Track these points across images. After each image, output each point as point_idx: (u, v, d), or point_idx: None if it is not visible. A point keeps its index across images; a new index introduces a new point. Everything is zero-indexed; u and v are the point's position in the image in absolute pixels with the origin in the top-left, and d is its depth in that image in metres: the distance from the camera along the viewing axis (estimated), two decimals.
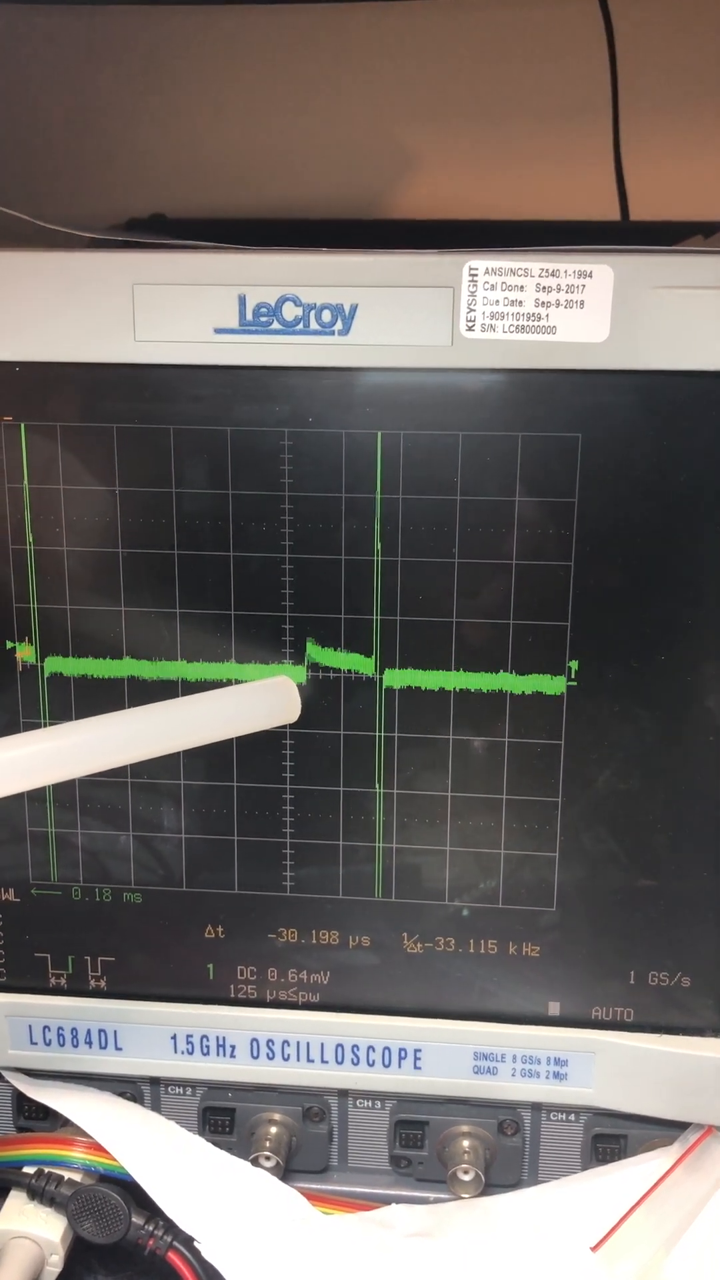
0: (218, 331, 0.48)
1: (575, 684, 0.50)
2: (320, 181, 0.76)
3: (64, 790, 0.53)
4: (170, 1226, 0.51)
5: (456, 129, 0.75)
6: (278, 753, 0.52)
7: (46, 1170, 0.52)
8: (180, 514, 0.50)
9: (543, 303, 0.46)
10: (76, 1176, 0.53)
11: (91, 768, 0.45)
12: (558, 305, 0.46)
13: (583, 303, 0.46)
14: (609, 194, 0.73)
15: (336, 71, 0.74)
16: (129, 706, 0.52)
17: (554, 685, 0.50)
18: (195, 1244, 0.50)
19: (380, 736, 0.52)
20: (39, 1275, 0.51)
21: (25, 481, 0.51)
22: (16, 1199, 0.52)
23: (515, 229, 0.65)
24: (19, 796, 0.53)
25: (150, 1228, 0.51)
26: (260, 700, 0.50)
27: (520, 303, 0.46)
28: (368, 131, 0.75)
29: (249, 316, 0.47)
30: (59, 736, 0.45)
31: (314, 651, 0.51)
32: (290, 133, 0.75)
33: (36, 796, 0.54)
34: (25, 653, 0.52)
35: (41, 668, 0.52)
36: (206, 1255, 0.49)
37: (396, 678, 0.51)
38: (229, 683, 0.52)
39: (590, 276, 0.46)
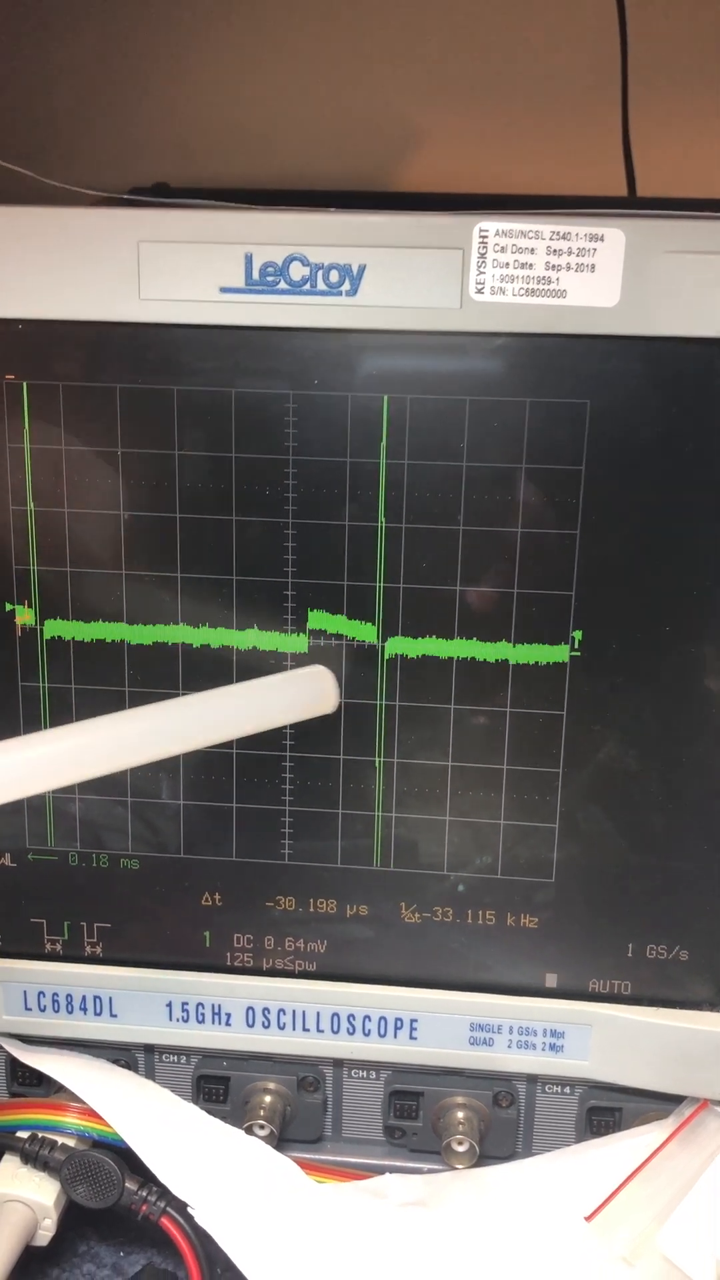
0: (223, 291, 0.47)
1: (579, 654, 0.50)
2: (324, 156, 0.75)
3: None
4: (164, 1192, 0.50)
5: (462, 104, 0.74)
6: None
7: (40, 1135, 0.52)
8: (182, 477, 0.50)
9: (553, 266, 0.46)
10: (70, 1142, 0.52)
11: (121, 764, 0.44)
12: (568, 269, 0.46)
13: (594, 266, 0.45)
14: (616, 171, 0.73)
15: (341, 45, 0.73)
16: (128, 672, 0.52)
17: (557, 655, 0.50)
18: (189, 1210, 0.49)
19: (381, 705, 0.52)
20: (32, 1239, 0.51)
21: (26, 441, 0.50)
22: (10, 1163, 0.52)
23: (520, 204, 0.64)
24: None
25: (144, 1193, 0.51)
26: (298, 690, 0.49)
27: (530, 266, 0.46)
28: (372, 106, 0.74)
29: (255, 276, 0.47)
30: (87, 732, 0.44)
31: (315, 618, 0.51)
32: (294, 107, 0.74)
33: None
34: (25, 616, 0.52)
35: (41, 631, 0.52)
36: (200, 1221, 0.49)
37: (399, 646, 0.51)
38: (233, 650, 0.51)
39: (602, 240, 0.45)
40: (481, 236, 0.46)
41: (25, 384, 0.49)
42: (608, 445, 0.47)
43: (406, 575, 0.50)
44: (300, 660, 0.51)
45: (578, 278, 0.46)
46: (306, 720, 0.51)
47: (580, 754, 0.51)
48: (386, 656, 0.51)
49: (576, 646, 0.50)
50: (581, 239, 0.45)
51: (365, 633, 0.51)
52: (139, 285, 0.47)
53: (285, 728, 0.52)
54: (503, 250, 0.46)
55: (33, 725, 0.53)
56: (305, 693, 0.49)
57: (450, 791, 0.52)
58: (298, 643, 0.51)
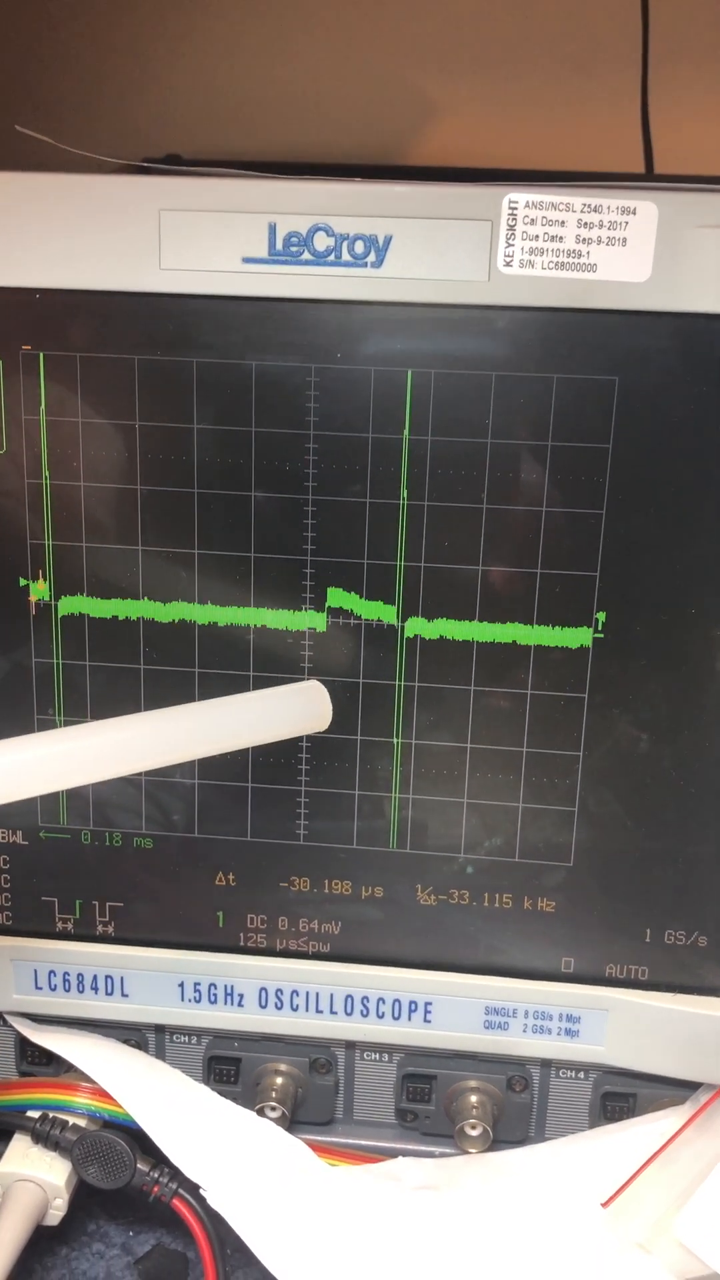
0: (246, 261, 0.46)
1: (602, 636, 0.49)
2: (337, 128, 0.74)
3: None
4: (175, 1174, 0.50)
5: (476, 77, 0.73)
6: None
7: (51, 1115, 0.52)
8: (200, 451, 0.49)
9: (584, 239, 0.45)
10: (81, 1122, 0.52)
11: (102, 775, 0.43)
12: (599, 242, 0.45)
13: (625, 240, 0.45)
14: (633, 146, 0.72)
15: (353, 16, 0.72)
16: (144, 650, 0.51)
17: (580, 637, 0.49)
18: (201, 1191, 0.49)
19: (400, 686, 0.51)
20: (42, 1218, 0.51)
21: (42, 413, 0.49)
22: (20, 1142, 0.52)
23: (536, 178, 0.63)
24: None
25: (155, 1174, 0.50)
26: (289, 706, 0.48)
27: (560, 239, 0.45)
28: (385, 77, 0.73)
29: (279, 246, 0.46)
30: (70, 739, 0.43)
31: (334, 597, 0.50)
32: (307, 78, 0.73)
33: None
34: (39, 591, 0.51)
35: (55, 607, 0.51)
36: (212, 1203, 0.48)
37: (418, 626, 0.50)
38: (250, 628, 0.50)
39: (634, 213, 0.44)
40: (511, 208, 0.45)
41: (42, 355, 0.48)
42: (636, 423, 0.47)
43: (428, 554, 0.49)
44: (318, 639, 0.50)
45: (609, 251, 0.45)
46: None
47: (601, 737, 0.50)
48: (406, 636, 0.50)
49: (600, 628, 0.49)
50: (613, 212, 0.44)
51: (384, 612, 0.50)
52: (159, 255, 0.46)
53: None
54: (532, 223, 0.45)
55: (46, 702, 0.52)
56: (298, 709, 0.48)
57: (468, 773, 0.51)
58: (316, 621, 0.50)
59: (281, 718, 0.48)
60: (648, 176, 0.70)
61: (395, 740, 0.51)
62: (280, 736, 0.49)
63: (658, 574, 0.48)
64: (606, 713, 0.50)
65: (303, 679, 0.51)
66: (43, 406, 0.49)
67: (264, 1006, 0.54)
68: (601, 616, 0.49)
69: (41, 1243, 0.53)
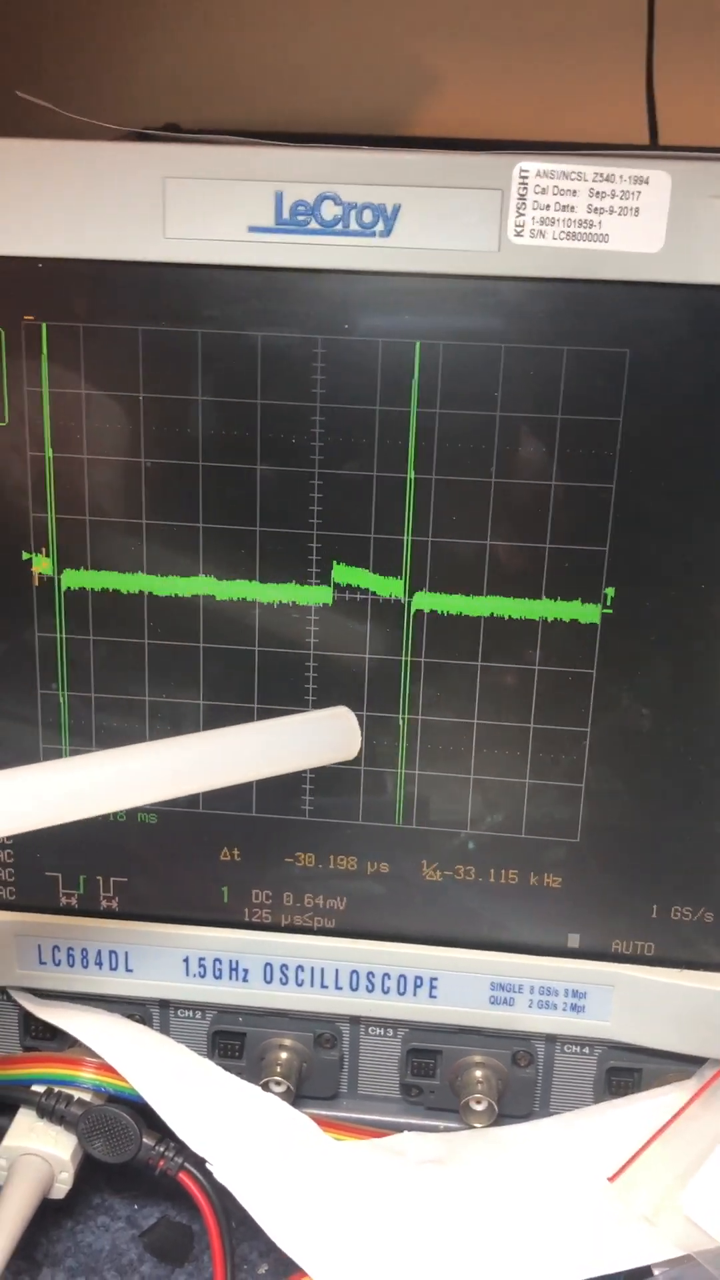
0: (252, 230, 0.45)
1: (610, 612, 0.49)
2: (339, 99, 0.73)
3: (79, 708, 0.52)
4: (181, 1148, 0.50)
5: (479, 44, 0.71)
6: (300, 675, 0.51)
7: (56, 1089, 0.52)
8: (205, 423, 0.48)
9: (595, 209, 0.44)
10: (86, 1096, 0.52)
11: (125, 804, 0.44)
12: (611, 212, 0.44)
13: (637, 210, 0.44)
14: (638, 117, 0.71)
15: None
16: (148, 624, 0.51)
17: (589, 613, 0.49)
18: (206, 1165, 0.49)
19: (406, 661, 0.51)
20: (48, 1192, 0.51)
21: (45, 385, 0.49)
22: (26, 1116, 0.52)
23: (542, 149, 0.62)
24: (33, 708, 0.52)
25: (161, 1148, 0.50)
26: (318, 733, 0.48)
27: (572, 208, 0.44)
28: (388, 47, 0.72)
29: (285, 215, 0.45)
30: (93, 766, 0.43)
31: (340, 572, 0.50)
32: (308, 48, 0.72)
33: (50, 710, 0.52)
34: (42, 565, 0.51)
35: (59, 581, 0.51)
36: (218, 1176, 0.49)
37: (425, 601, 0.50)
38: (255, 603, 0.50)
39: (646, 183, 0.44)
40: (522, 177, 0.44)
41: (44, 325, 0.48)
42: (647, 396, 0.46)
43: (435, 528, 0.49)
44: (323, 614, 0.50)
45: (621, 221, 0.44)
46: (329, 676, 0.51)
47: (608, 713, 0.50)
48: (412, 612, 0.50)
49: (609, 604, 0.49)
50: (626, 181, 0.44)
51: (391, 587, 0.50)
52: (164, 223, 0.46)
53: (307, 684, 0.51)
54: (543, 192, 0.44)
55: (49, 677, 0.52)
56: (326, 736, 0.48)
57: (474, 749, 0.51)
58: (322, 596, 0.50)
59: (309, 746, 0.48)
60: (652, 147, 0.69)
61: (401, 716, 0.51)
62: (308, 765, 0.49)
63: (667, 550, 0.48)
64: (614, 689, 0.50)
65: (307, 654, 0.51)
66: (45, 378, 0.48)
67: (269, 982, 0.54)
68: (610, 592, 0.49)
69: (48, 1216, 0.53)
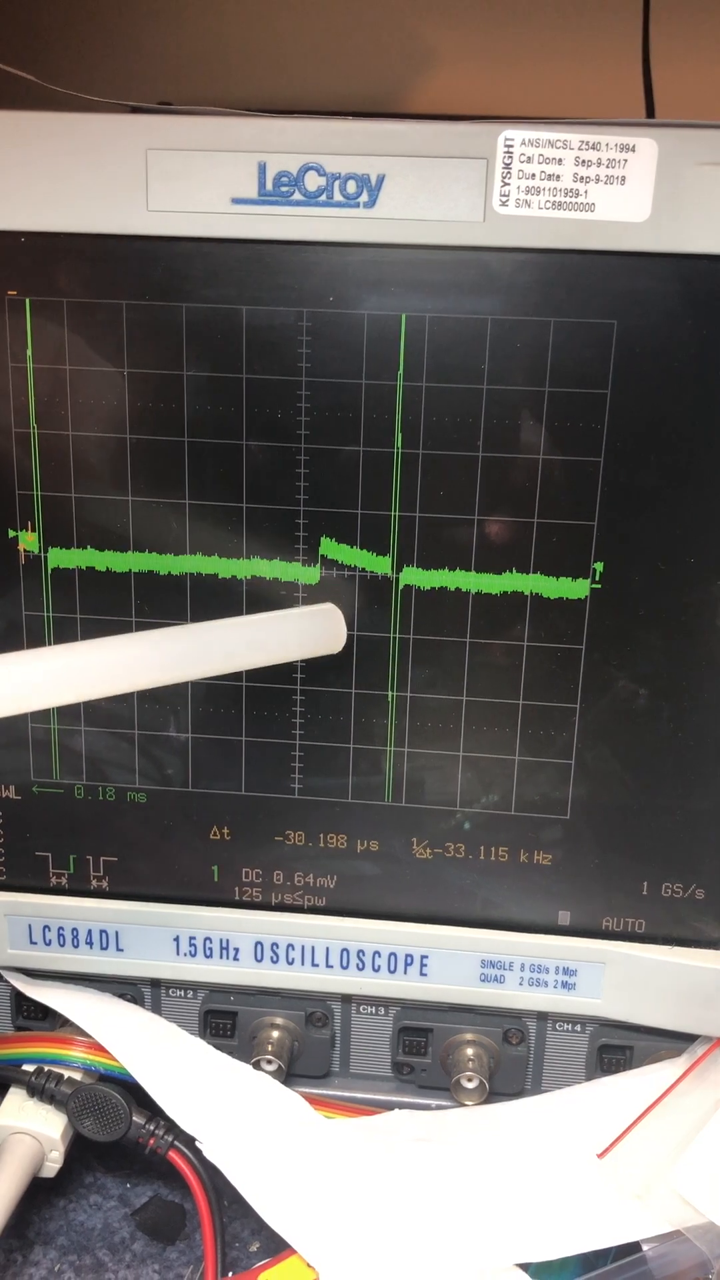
0: (235, 202, 0.45)
1: (599, 587, 0.48)
2: (332, 76, 0.73)
3: None
4: (171, 1126, 0.50)
5: (474, 20, 0.71)
6: None
7: (46, 1069, 0.52)
8: (191, 398, 0.48)
9: (581, 178, 0.44)
10: (76, 1075, 0.52)
11: (121, 688, 0.44)
12: (597, 181, 0.43)
13: (624, 178, 0.43)
14: (634, 94, 0.70)
15: None
16: (135, 602, 0.50)
17: (577, 588, 0.49)
18: (196, 1144, 0.49)
19: (394, 638, 0.50)
20: (38, 1171, 0.51)
21: (29, 361, 0.48)
22: (16, 1096, 0.52)
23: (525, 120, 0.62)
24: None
25: (151, 1127, 0.50)
26: (307, 626, 0.48)
27: (558, 177, 0.44)
28: (382, 23, 0.71)
29: (269, 186, 0.45)
30: (90, 651, 0.43)
31: (328, 548, 0.49)
32: (300, 25, 0.71)
33: None
34: (28, 542, 0.50)
35: (45, 558, 0.50)
36: (208, 1155, 0.49)
37: (413, 577, 0.49)
38: (242, 580, 0.50)
39: (633, 150, 0.43)
40: (507, 146, 0.44)
41: (28, 300, 0.47)
42: (635, 368, 0.46)
43: (423, 504, 0.48)
44: (311, 591, 0.50)
45: (607, 190, 0.43)
46: (316, 656, 0.50)
47: (598, 690, 0.50)
48: (400, 588, 0.50)
49: (597, 579, 0.48)
50: (612, 149, 0.43)
51: (379, 563, 0.49)
52: (147, 196, 0.45)
53: (297, 661, 0.51)
54: (529, 160, 0.44)
55: None
56: (314, 629, 0.48)
57: (464, 726, 0.51)
58: (309, 573, 0.50)
59: (298, 637, 0.48)
60: (649, 122, 0.69)
61: (390, 693, 0.51)
62: (295, 656, 0.49)
63: (657, 524, 0.47)
64: (604, 665, 0.49)
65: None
66: (29, 354, 0.48)
67: (260, 960, 0.54)
68: (599, 567, 0.48)
69: (39, 1195, 0.54)
